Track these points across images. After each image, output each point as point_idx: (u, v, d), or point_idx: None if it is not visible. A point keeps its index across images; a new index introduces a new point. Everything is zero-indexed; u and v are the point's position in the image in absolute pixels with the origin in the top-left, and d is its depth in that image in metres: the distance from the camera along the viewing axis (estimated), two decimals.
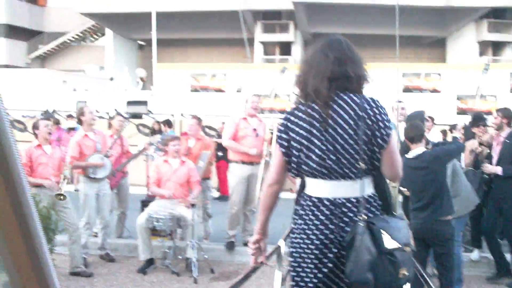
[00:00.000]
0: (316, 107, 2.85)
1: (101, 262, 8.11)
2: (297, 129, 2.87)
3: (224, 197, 12.56)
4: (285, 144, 2.91)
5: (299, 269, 2.90)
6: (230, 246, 8.33)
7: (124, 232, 9.02)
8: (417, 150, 5.65)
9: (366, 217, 2.74)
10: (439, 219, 5.59)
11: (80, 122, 8.13)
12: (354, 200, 2.81)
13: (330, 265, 2.82)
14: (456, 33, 37.32)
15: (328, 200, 2.84)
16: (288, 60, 36.97)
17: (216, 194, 14.07)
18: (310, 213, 2.88)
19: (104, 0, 37.79)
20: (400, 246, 2.71)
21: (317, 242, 2.83)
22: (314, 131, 2.83)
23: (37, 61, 45.02)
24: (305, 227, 2.88)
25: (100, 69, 40.59)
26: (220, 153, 12.67)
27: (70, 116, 17.92)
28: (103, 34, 45.02)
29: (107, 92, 29.19)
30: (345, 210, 2.81)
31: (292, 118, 2.91)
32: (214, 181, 14.66)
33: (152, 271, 7.60)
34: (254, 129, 8.20)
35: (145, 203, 8.64)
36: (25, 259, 0.81)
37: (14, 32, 43.74)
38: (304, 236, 2.88)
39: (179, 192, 7.84)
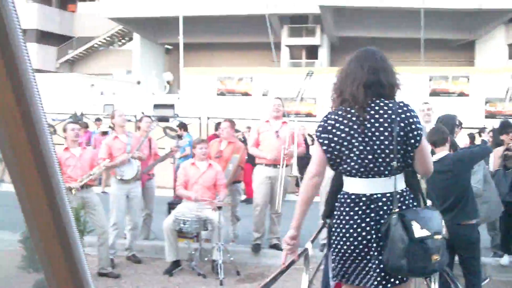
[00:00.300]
0: (353, 111, 3.18)
1: (128, 263, 8.18)
2: (336, 131, 3.20)
3: (250, 200, 12.57)
4: (326, 142, 3.22)
5: (342, 261, 3.25)
6: (256, 248, 8.35)
7: (150, 234, 9.09)
8: (440, 153, 5.60)
9: (398, 210, 3.07)
10: (462, 223, 5.54)
11: (113, 125, 8.33)
12: (388, 195, 3.12)
13: (369, 256, 3.13)
14: (486, 36, 36.89)
15: (365, 196, 3.16)
16: (314, 64, 36.91)
17: (242, 197, 14.11)
18: (348, 208, 3.20)
19: (132, 5, 38.17)
20: (430, 234, 3.04)
21: (355, 235, 3.15)
22: (353, 133, 3.16)
23: (66, 65, 45.67)
24: (344, 222, 3.21)
25: (128, 73, 40.99)
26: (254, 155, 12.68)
27: (98, 119, 18.14)
28: (130, 39, 45.46)
29: (134, 95, 29.48)
30: (380, 204, 3.12)
31: (330, 121, 3.24)
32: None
33: (178, 273, 7.63)
34: (276, 131, 8.25)
35: (171, 205, 8.71)
36: (60, 259, 0.84)
37: (45, 37, 44.46)
38: (344, 230, 3.20)
39: (206, 194, 7.89)
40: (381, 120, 3.12)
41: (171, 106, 26.14)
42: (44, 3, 44.27)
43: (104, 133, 16.28)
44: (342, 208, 3.23)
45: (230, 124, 9.00)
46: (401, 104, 3.17)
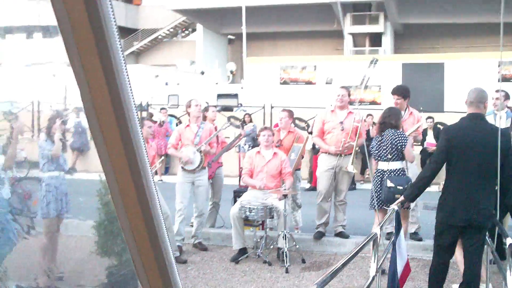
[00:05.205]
0: (383, 133, 7.10)
1: (194, 250, 8.31)
2: (376, 140, 7.21)
3: (315, 188, 12.56)
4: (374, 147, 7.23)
5: (376, 198, 6.91)
6: (318, 236, 8.36)
7: (217, 222, 9.22)
8: None
9: (389, 175, 6.91)
10: None
11: (188, 113, 8.50)
12: (394, 170, 6.94)
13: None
14: None
15: (385, 170, 6.99)
16: (378, 52, 36.33)
17: (307, 185, 14.11)
18: (376, 175, 7.15)
19: None
20: (394, 185, 6.73)
21: (381, 187, 6.96)
22: (381, 140, 7.08)
23: (131, 57, 46.57)
24: (376, 181, 7.06)
25: (191, 63, 41.39)
26: (317, 146, 12.65)
27: (163, 109, 18.50)
28: (193, 30, 45.94)
29: (198, 85, 29.78)
30: (389, 174, 6.93)
31: (376, 136, 7.29)
32: (304, 172, 14.74)
33: (244, 260, 7.72)
34: (341, 122, 8.18)
35: (237, 193, 8.81)
36: (145, 239, 0.88)
37: None
38: (375, 186, 7.04)
39: (271, 183, 7.95)
40: (388, 137, 6.97)
41: (235, 96, 26.29)
42: None
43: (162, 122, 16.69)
44: (375, 174, 7.17)
45: (288, 114, 9.03)
46: (399, 132, 6.98)
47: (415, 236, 8.13)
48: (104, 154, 0.80)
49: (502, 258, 5.02)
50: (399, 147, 6.92)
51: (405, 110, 7.98)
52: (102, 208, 6.23)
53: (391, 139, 6.96)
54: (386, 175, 6.96)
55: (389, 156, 6.98)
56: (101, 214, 6.22)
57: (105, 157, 0.80)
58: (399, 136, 6.97)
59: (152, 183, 0.84)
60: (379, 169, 7.12)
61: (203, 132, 8.28)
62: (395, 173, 6.95)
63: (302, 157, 9.25)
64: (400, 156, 6.97)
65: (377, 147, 7.17)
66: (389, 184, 6.82)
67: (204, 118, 8.86)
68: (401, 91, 8.01)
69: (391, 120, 7.05)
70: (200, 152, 8.12)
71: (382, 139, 7.07)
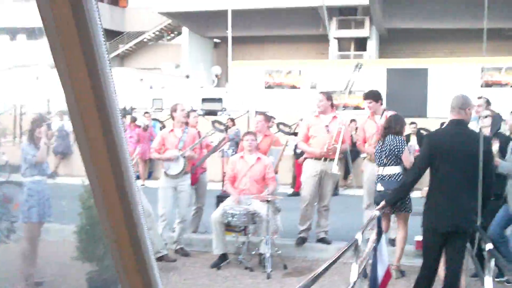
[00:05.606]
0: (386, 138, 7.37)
1: (176, 256, 8.20)
2: (378, 146, 7.49)
3: (298, 193, 12.57)
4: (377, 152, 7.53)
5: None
6: (300, 241, 8.37)
7: (200, 227, 9.18)
8: None
9: (381, 179, 7.29)
10: None
11: (172, 117, 8.46)
12: (391, 174, 7.20)
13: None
14: None
15: (384, 174, 7.23)
16: (363, 56, 36.49)
17: (290, 190, 14.11)
18: (377, 179, 7.34)
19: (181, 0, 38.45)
20: (384, 189, 7.05)
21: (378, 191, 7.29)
22: (381, 146, 7.37)
23: (116, 60, 46.34)
24: (376, 185, 7.34)
25: (176, 67, 41.28)
26: (299, 151, 12.68)
27: (147, 113, 18.43)
28: (179, 33, 45.82)
29: (183, 89, 29.70)
30: (382, 178, 7.25)
31: (378, 143, 7.55)
32: (287, 177, 14.73)
33: (226, 266, 7.69)
34: (326, 126, 8.21)
35: (220, 199, 8.79)
36: (127, 244, 0.88)
37: None
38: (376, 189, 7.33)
39: (254, 187, 7.94)
40: (388, 142, 7.25)
41: (219, 100, 26.27)
42: None
43: (146, 126, 16.63)
44: (378, 179, 7.31)
45: (264, 118, 9.03)
46: (398, 138, 7.25)
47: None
48: (88, 158, 0.79)
49: (483, 264, 5.05)
50: (396, 152, 7.19)
51: (382, 114, 8.09)
52: (84, 213, 6.19)
53: (389, 145, 7.24)
54: (379, 179, 7.31)
55: (385, 161, 7.25)
56: (83, 218, 6.18)
57: (89, 161, 0.80)
58: (398, 142, 7.25)
59: (135, 187, 0.84)
60: (378, 174, 7.39)
61: (187, 137, 8.24)
62: (394, 177, 7.20)
63: (280, 160, 9.27)
64: (397, 162, 7.23)
65: (378, 152, 7.44)
66: (379, 188, 7.20)
67: (187, 123, 8.82)
68: (371, 95, 8.22)
69: (395, 125, 7.32)
70: (184, 157, 8.09)
71: (382, 145, 7.36)
